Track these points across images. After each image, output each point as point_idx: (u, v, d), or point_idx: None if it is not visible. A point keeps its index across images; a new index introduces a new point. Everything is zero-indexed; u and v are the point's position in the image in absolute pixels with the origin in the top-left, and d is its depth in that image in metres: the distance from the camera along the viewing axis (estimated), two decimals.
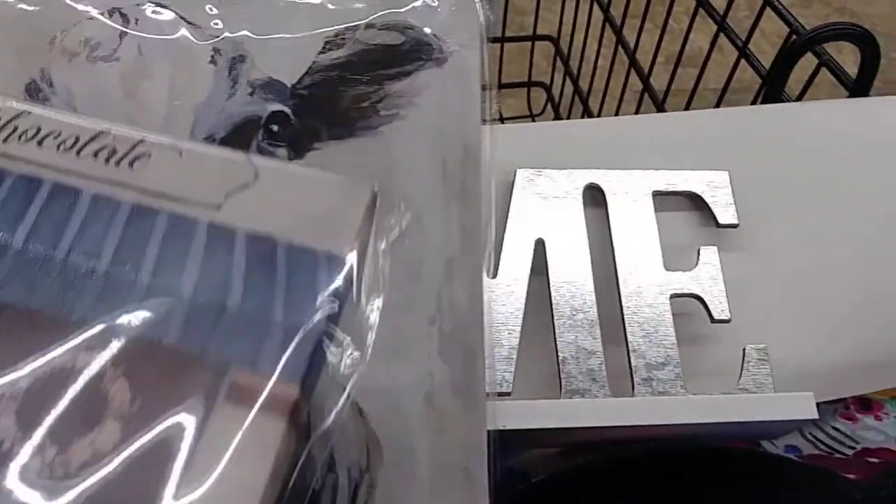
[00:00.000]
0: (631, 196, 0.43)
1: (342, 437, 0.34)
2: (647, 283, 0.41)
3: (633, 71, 0.76)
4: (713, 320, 0.41)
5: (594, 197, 0.44)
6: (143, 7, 0.36)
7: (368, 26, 0.37)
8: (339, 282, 0.26)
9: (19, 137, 0.28)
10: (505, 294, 0.41)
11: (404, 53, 0.37)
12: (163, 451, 0.23)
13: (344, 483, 0.33)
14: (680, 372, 0.40)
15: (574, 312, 0.41)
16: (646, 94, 0.75)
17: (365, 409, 0.34)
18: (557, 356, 0.40)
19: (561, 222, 0.42)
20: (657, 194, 0.43)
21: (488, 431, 0.35)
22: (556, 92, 0.93)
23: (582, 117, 0.83)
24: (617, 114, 0.77)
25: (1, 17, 0.36)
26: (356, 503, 0.33)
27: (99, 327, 0.25)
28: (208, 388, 0.24)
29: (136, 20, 0.36)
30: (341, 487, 0.33)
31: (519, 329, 0.40)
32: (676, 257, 0.42)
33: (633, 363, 0.40)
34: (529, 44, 0.92)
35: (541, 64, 0.95)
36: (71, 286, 0.25)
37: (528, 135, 0.47)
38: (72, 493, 0.22)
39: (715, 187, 0.44)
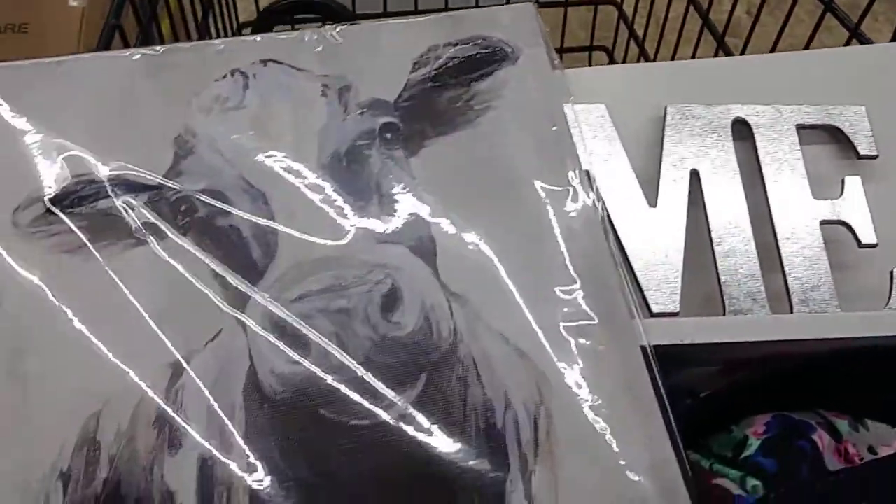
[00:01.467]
0: (776, 129, 0.45)
1: (510, 375, 0.36)
2: (797, 210, 0.44)
3: (706, 30, 0.78)
4: (861, 245, 0.43)
5: (740, 130, 0.46)
6: (257, 64, 0.44)
7: (447, 45, 0.44)
8: None
9: None
10: (666, 221, 0.43)
11: (482, 59, 0.44)
12: None
13: (524, 417, 0.36)
14: (834, 293, 0.42)
15: (731, 238, 0.43)
16: (720, 54, 0.77)
17: (524, 349, 0.37)
18: (719, 279, 0.42)
19: (712, 154, 0.45)
20: (800, 127, 0.45)
21: (654, 350, 0.37)
22: (618, 57, 0.95)
23: None
24: None
25: (145, 92, 0.44)
26: (539, 433, 0.35)
27: None
28: None
29: (254, 75, 0.44)
30: (521, 421, 0.35)
31: (682, 254, 0.42)
32: (822, 187, 0.44)
33: (790, 285, 0.42)
34: (592, 8, 0.94)
35: (602, 28, 0.97)
36: None
37: (674, 73, 0.49)
38: None
39: (854, 120, 0.46)
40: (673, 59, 0.85)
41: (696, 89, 0.47)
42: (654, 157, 0.45)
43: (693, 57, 0.81)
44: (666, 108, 0.45)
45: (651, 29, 0.88)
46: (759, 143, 0.45)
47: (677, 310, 0.41)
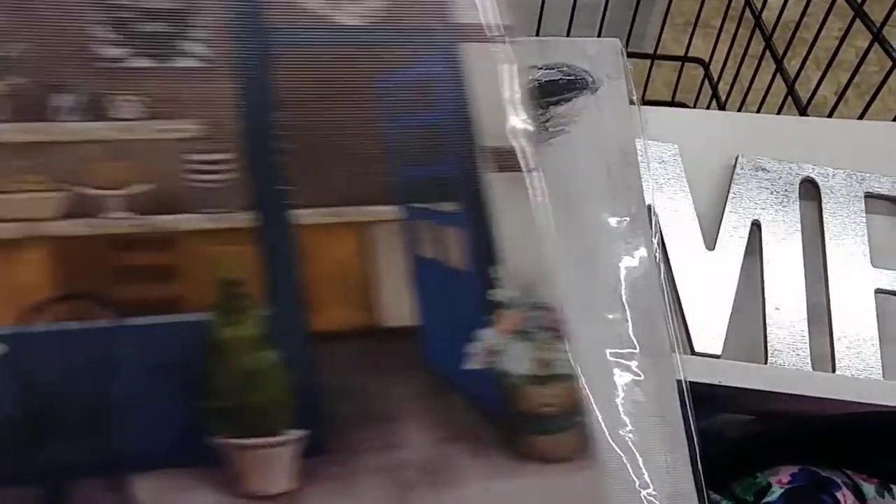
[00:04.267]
0: (844, 193, 0.46)
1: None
2: (853, 275, 0.44)
3: (789, 101, 0.79)
4: None
5: (808, 189, 0.46)
6: None
7: (531, 67, 0.45)
8: None
9: None
10: (721, 266, 0.44)
11: (564, 85, 0.45)
12: None
13: None
14: (880, 362, 0.42)
15: (783, 293, 0.43)
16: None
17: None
18: (765, 331, 0.43)
19: (776, 208, 0.45)
20: (868, 195, 0.46)
21: (690, 386, 0.38)
22: None
23: None
24: None
25: None
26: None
27: None
28: None
29: None
30: None
31: (732, 299, 0.43)
32: (883, 257, 0.45)
33: (836, 348, 0.42)
34: (679, 65, 0.95)
35: (687, 85, 0.98)
36: None
37: (750, 124, 0.50)
38: None
39: None
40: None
41: (770, 143, 0.48)
42: (719, 203, 0.46)
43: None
44: (737, 157, 0.46)
45: (734, 94, 0.89)
46: (824, 205, 0.45)
47: (719, 352, 0.42)
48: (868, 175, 0.46)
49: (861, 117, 0.68)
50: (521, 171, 0.35)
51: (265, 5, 0.32)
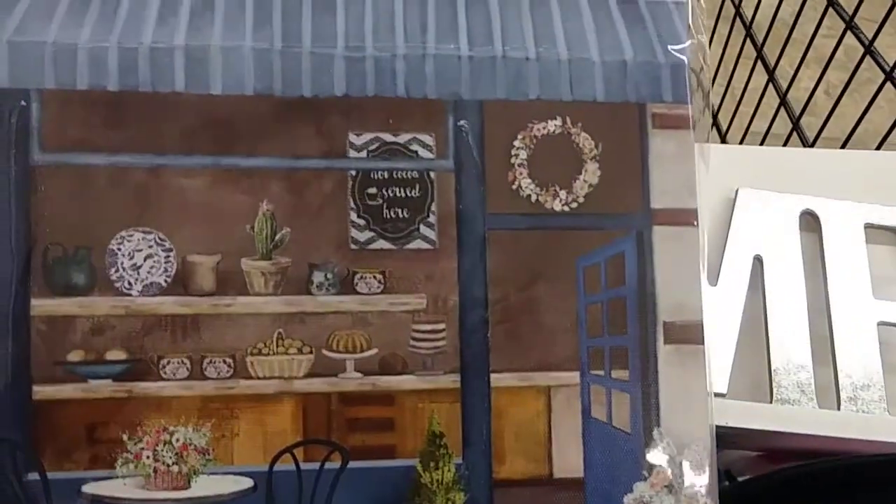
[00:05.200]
0: (844, 225, 0.46)
1: None
2: (855, 307, 0.44)
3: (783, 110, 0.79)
4: None
5: (808, 221, 0.46)
6: None
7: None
8: (686, 22, 0.37)
9: None
10: (724, 302, 0.44)
11: None
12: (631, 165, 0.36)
13: None
14: (884, 395, 0.42)
15: (787, 327, 0.43)
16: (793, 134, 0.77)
17: None
18: (770, 366, 0.43)
19: (778, 242, 0.45)
20: (868, 226, 0.46)
21: None
22: None
23: None
24: None
25: None
26: None
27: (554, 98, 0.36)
28: (639, 122, 0.36)
29: None
30: None
31: (736, 336, 0.43)
32: (884, 287, 0.45)
33: (840, 381, 0.42)
34: None
35: None
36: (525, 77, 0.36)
37: (748, 157, 0.50)
38: None
39: None
40: (746, 132, 0.85)
41: (770, 176, 0.48)
42: (720, 237, 0.45)
43: (766, 133, 0.82)
44: (737, 190, 0.46)
45: (727, 101, 0.89)
46: (825, 237, 0.45)
47: (725, 391, 0.42)
48: (868, 206, 0.46)
49: (857, 124, 0.68)
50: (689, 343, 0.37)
51: (491, 193, 0.36)
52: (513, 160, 0.36)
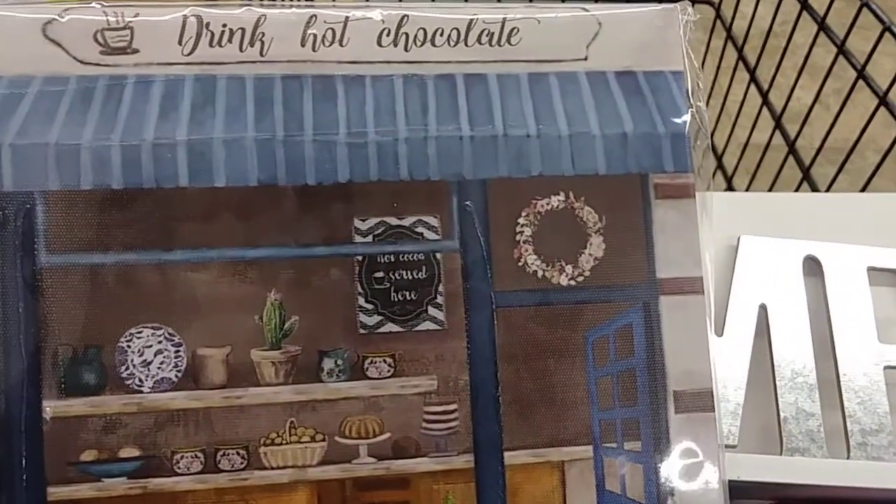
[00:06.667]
0: (847, 269, 0.46)
1: None
2: (861, 352, 0.44)
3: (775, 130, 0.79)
4: None
5: (811, 266, 0.46)
6: None
7: None
8: (685, 91, 0.37)
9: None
10: (731, 353, 0.44)
11: None
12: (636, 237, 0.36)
13: None
14: (893, 440, 0.42)
15: (794, 375, 0.44)
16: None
17: None
18: (779, 415, 0.43)
19: (782, 288, 0.45)
20: (871, 269, 0.46)
21: None
22: None
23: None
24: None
25: None
26: None
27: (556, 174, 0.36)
28: (642, 193, 0.36)
29: None
30: None
31: (744, 387, 0.43)
32: (889, 330, 0.45)
33: (849, 428, 0.43)
34: None
35: None
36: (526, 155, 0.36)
37: (750, 203, 0.50)
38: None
39: None
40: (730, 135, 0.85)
41: (771, 222, 0.48)
42: (724, 285, 0.46)
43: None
44: (739, 238, 0.46)
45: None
46: (828, 282, 0.46)
47: (735, 443, 0.42)
48: (870, 249, 0.46)
49: (831, 126, 0.67)
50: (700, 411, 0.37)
51: (497, 271, 0.36)
52: (518, 237, 0.36)
